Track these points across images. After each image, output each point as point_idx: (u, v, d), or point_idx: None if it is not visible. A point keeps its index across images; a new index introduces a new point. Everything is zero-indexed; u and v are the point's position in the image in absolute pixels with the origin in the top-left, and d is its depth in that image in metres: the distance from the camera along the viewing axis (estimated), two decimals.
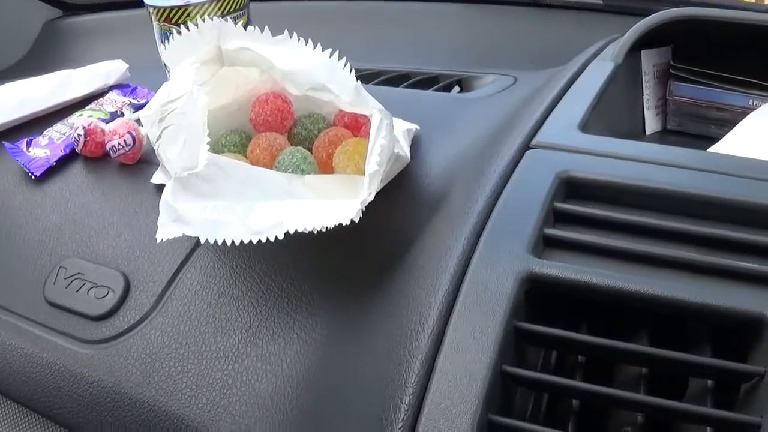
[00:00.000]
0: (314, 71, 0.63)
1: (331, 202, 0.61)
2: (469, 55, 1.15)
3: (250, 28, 0.65)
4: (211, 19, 0.67)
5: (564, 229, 0.59)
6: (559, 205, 0.61)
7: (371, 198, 0.61)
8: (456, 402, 0.49)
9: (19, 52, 1.30)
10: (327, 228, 0.59)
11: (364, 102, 0.63)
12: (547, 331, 0.52)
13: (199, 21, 0.65)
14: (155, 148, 0.69)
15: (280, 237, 0.59)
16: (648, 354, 0.51)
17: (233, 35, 0.66)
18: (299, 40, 0.64)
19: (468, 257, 0.57)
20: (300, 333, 0.64)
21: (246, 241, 0.59)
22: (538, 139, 0.69)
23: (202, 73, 0.67)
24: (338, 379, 0.59)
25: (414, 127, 0.77)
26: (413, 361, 0.52)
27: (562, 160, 0.66)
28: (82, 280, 0.75)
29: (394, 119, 0.72)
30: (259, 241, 0.60)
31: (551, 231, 0.59)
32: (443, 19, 1.25)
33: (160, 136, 0.66)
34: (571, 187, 0.64)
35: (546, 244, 0.59)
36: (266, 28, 0.65)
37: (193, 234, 0.60)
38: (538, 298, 0.55)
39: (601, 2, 1.20)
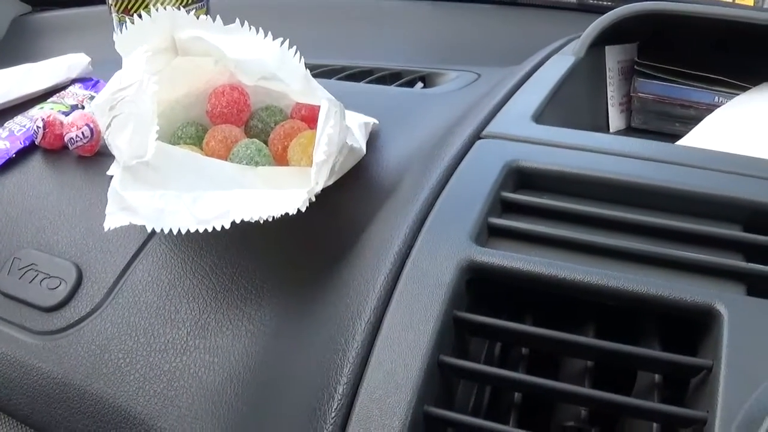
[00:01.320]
0: (264, 60, 0.63)
1: (279, 192, 0.61)
2: (435, 52, 1.15)
3: (203, 17, 0.64)
4: (165, 9, 0.67)
5: (510, 219, 0.59)
6: (506, 194, 0.61)
7: (319, 188, 0.60)
8: (390, 392, 0.48)
9: None
10: (273, 217, 0.58)
11: (313, 91, 0.63)
12: (486, 321, 0.52)
13: (152, 10, 0.65)
14: (105, 137, 0.69)
15: (227, 226, 0.58)
16: (593, 346, 0.51)
17: (186, 24, 0.66)
18: (250, 29, 0.63)
19: (410, 245, 0.57)
20: (248, 325, 0.63)
21: (192, 230, 0.59)
22: (489, 129, 0.69)
23: (155, 62, 0.67)
24: (282, 369, 0.59)
25: (372, 121, 0.76)
26: (349, 350, 0.52)
27: (512, 150, 0.66)
28: (36, 270, 0.74)
29: (352, 113, 0.71)
30: (206, 230, 0.59)
31: (496, 220, 0.58)
32: (410, 16, 1.25)
33: (109, 124, 0.66)
34: (521, 177, 0.64)
35: (491, 234, 0.58)
36: (218, 17, 0.65)
37: (139, 222, 0.60)
38: (481, 288, 0.55)
39: (574, 1, 1.20)
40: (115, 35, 0.81)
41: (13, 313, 0.72)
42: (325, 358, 0.53)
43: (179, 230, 0.59)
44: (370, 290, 0.55)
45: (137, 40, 0.66)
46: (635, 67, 0.97)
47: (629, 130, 0.98)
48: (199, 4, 0.82)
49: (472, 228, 0.57)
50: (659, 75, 0.95)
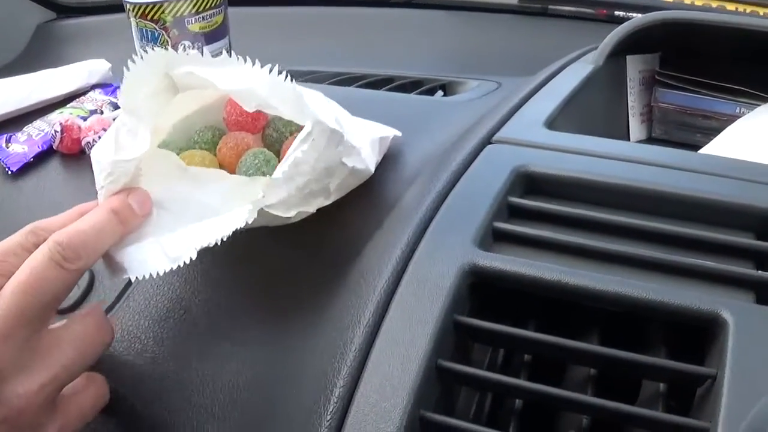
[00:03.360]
0: (255, 89, 0.62)
1: (234, 210, 0.60)
2: (455, 61, 1.15)
3: (192, 51, 0.64)
4: (166, 45, 0.67)
5: (516, 224, 0.58)
6: (513, 199, 0.60)
7: (268, 202, 0.59)
8: (387, 396, 0.48)
9: (11, 53, 1.31)
10: (224, 238, 0.57)
11: (304, 113, 0.61)
12: (487, 326, 0.51)
13: (143, 54, 0.65)
14: (98, 189, 0.68)
15: (194, 257, 0.58)
16: (596, 353, 0.50)
17: (179, 61, 0.66)
18: (238, 59, 0.63)
19: (412, 249, 0.56)
20: (247, 331, 0.63)
21: (168, 270, 0.59)
22: (500, 134, 0.68)
23: (156, 104, 0.66)
24: (281, 372, 0.58)
25: (392, 134, 0.75)
26: (347, 353, 0.51)
27: (521, 155, 0.65)
28: None
29: (372, 125, 0.71)
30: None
31: (501, 225, 0.58)
32: (429, 25, 1.25)
33: (103, 186, 0.65)
34: (530, 183, 0.63)
35: (496, 238, 0.58)
36: (206, 49, 0.64)
37: (130, 277, 0.60)
38: (484, 293, 0.54)
39: (592, 11, 1.20)
40: (137, 42, 0.82)
41: None
42: (324, 362, 0.53)
43: (157, 273, 0.59)
44: (370, 294, 0.54)
45: (136, 85, 0.65)
46: (656, 77, 0.96)
47: (650, 141, 0.97)
48: (217, 9, 0.82)
49: (477, 232, 0.56)
50: (681, 85, 0.94)
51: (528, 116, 0.72)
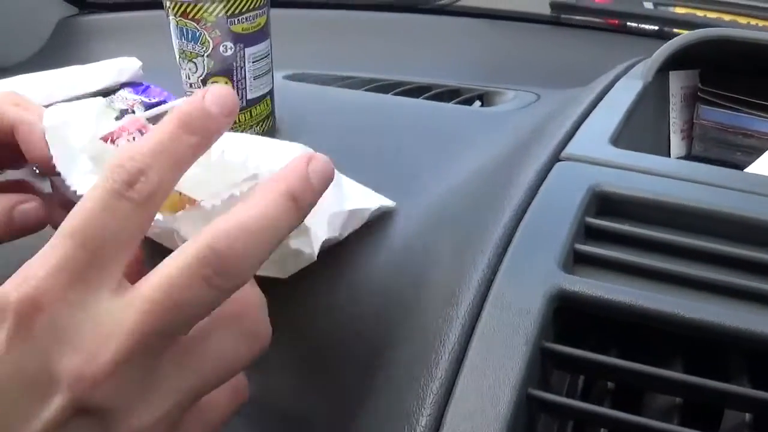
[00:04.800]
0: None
1: None
2: (489, 70, 1.13)
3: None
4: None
5: (596, 245, 0.56)
6: (590, 220, 0.58)
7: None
8: (477, 427, 0.45)
9: (32, 48, 1.29)
10: None
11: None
12: (577, 354, 0.49)
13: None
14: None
15: None
16: (683, 382, 0.47)
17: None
18: None
19: (493, 270, 0.54)
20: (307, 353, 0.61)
21: None
22: (569, 150, 0.67)
23: None
24: (351, 407, 0.56)
25: (375, 206, 0.68)
26: (431, 381, 0.48)
27: (593, 173, 0.63)
28: None
29: (362, 192, 0.68)
30: None
31: (583, 247, 0.55)
32: (462, 33, 1.23)
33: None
34: (604, 202, 0.61)
35: (576, 260, 0.56)
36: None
37: None
38: (566, 317, 0.52)
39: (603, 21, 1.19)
40: (176, 41, 0.80)
41: None
42: (402, 387, 0.50)
43: None
44: (453, 318, 0.52)
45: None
46: (698, 93, 0.95)
47: (690, 158, 0.96)
48: (260, 11, 0.80)
49: (559, 254, 0.54)
50: (723, 103, 0.92)
51: (592, 132, 0.70)
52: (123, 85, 0.99)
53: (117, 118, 0.84)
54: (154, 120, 0.85)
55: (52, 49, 1.30)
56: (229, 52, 0.80)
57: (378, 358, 0.57)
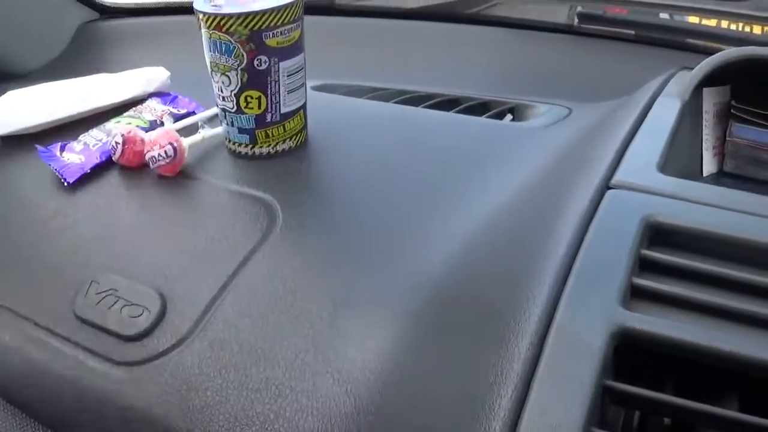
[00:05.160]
0: None
1: None
2: (515, 80, 1.12)
3: None
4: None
5: (652, 279, 0.55)
6: (646, 252, 0.57)
7: None
8: None
9: (51, 52, 1.28)
10: None
11: None
12: (637, 392, 0.48)
13: None
14: None
15: None
16: (739, 420, 0.47)
17: None
18: None
19: (554, 304, 0.53)
20: (351, 369, 0.59)
21: None
22: (618, 178, 0.66)
23: None
24: (396, 421, 0.54)
25: None
26: (493, 418, 0.47)
27: (645, 202, 0.62)
28: (116, 296, 0.70)
29: None
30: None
31: (640, 281, 0.55)
32: (491, 43, 1.22)
33: None
34: (655, 232, 0.60)
35: (633, 295, 0.55)
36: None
37: None
38: (624, 353, 0.51)
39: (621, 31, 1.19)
40: (209, 54, 0.78)
41: (89, 339, 0.69)
42: (460, 422, 0.49)
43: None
44: (515, 354, 0.51)
45: None
46: (731, 110, 0.94)
47: (721, 175, 0.94)
48: (294, 24, 0.79)
49: (619, 290, 0.53)
50: (755, 120, 0.91)
51: (640, 158, 0.70)
52: (150, 95, 0.98)
53: (146, 130, 0.84)
54: (184, 132, 0.84)
55: (72, 53, 1.29)
56: (264, 66, 0.79)
57: (437, 389, 0.55)
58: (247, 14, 0.75)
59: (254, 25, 0.76)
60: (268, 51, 0.78)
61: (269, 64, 0.79)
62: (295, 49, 0.80)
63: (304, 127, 0.87)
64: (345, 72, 1.11)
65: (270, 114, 0.82)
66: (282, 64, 0.80)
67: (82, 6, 1.35)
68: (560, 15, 1.26)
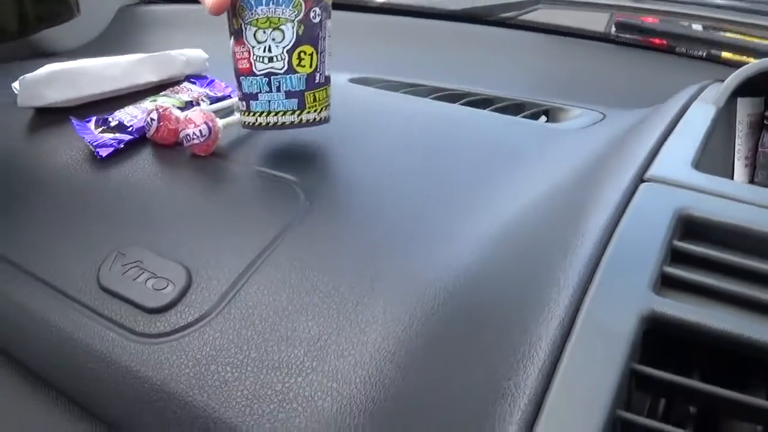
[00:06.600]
0: None
1: None
2: (551, 86, 1.12)
3: None
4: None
5: (683, 269, 0.55)
6: (678, 243, 0.57)
7: None
8: None
9: (92, 33, 1.29)
10: None
11: None
12: (665, 377, 0.47)
13: None
14: None
15: None
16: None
17: None
18: None
19: (584, 289, 0.53)
20: (374, 353, 0.59)
21: None
22: (653, 172, 0.66)
23: None
24: (418, 406, 0.54)
25: None
26: (519, 396, 0.47)
27: (679, 196, 0.62)
28: (141, 269, 0.70)
29: None
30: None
31: (671, 270, 0.54)
32: (529, 47, 1.22)
33: None
34: (688, 225, 0.60)
35: (663, 284, 0.54)
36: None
37: None
38: (653, 339, 0.51)
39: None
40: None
41: (113, 310, 0.69)
42: (487, 402, 0.49)
43: None
44: (543, 334, 0.50)
45: None
46: (765, 122, 0.93)
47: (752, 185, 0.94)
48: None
49: (650, 277, 0.53)
50: None
51: (675, 155, 0.69)
52: (187, 77, 0.99)
53: (182, 110, 0.84)
54: (218, 114, 0.84)
55: (111, 35, 1.30)
56: (317, 19, 0.76)
57: (462, 373, 0.55)
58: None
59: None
60: (321, 4, 0.76)
61: (321, 17, 0.76)
62: (330, 10, 0.79)
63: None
64: (384, 68, 1.11)
65: (318, 74, 0.78)
66: (327, 22, 0.78)
67: None
68: (598, 23, 1.26)
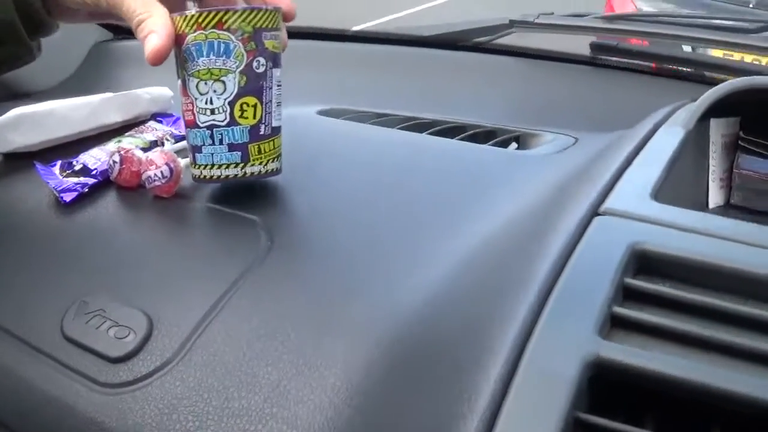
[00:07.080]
0: None
1: None
2: (526, 111, 1.11)
3: None
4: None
5: (634, 308, 0.54)
6: (629, 281, 0.56)
7: None
8: None
9: (65, 72, 1.28)
10: None
11: None
12: (610, 426, 0.46)
13: None
14: None
15: None
16: None
17: None
18: None
19: (528, 330, 0.52)
20: (333, 398, 0.59)
21: None
22: (608, 205, 0.65)
23: None
24: None
25: None
26: None
27: (633, 229, 0.61)
28: (103, 317, 0.70)
29: None
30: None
31: (620, 310, 0.53)
32: (501, 72, 1.22)
33: None
34: (642, 260, 0.59)
35: (613, 324, 0.53)
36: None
37: None
38: (600, 384, 0.50)
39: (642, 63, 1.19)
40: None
41: (76, 360, 0.68)
42: None
43: None
44: (481, 379, 0.50)
45: None
46: (739, 142, 0.92)
47: (728, 207, 0.93)
48: (280, 31, 0.75)
49: (597, 318, 0.52)
50: (763, 152, 0.90)
51: (633, 186, 0.69)
52: (154, 115, 0.98)
53: (145, 150, 0.83)
54: (181, 154, 0.84)
55: (86, 71, 1.29)
56: (261, 69, 0.75)
57: (414, 415, 0.54)
58: (251, 9, 0.72)
59: (256, 22, 0.73)
60: (266, 53, 0.74)
61: (266, 67, 0.75)
62: (280, 58, 0.77)
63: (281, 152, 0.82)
64: (356, 97, 1.11)
65: (263, 125, 0.76)
66: (274, 71, 0.76)
67: (96, 26, 1.36)
68: (573, 45, 1.26)
